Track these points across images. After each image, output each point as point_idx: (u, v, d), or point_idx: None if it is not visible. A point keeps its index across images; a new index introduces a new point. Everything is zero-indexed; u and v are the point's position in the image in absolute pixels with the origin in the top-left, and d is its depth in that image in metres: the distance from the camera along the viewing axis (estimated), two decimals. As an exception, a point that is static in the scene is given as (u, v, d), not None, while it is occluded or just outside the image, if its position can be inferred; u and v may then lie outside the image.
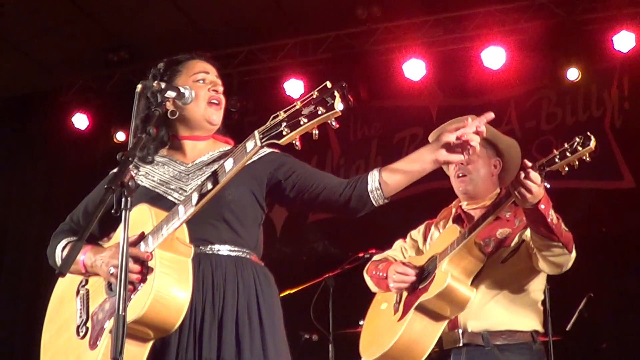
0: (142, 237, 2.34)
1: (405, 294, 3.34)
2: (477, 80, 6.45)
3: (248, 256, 2.53)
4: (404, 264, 3.39)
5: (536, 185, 2.81)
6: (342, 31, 6.84)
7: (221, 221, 2.48)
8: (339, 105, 2.01)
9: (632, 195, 5.99)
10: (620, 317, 5.57)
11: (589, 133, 2.74)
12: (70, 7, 6.50)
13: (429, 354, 3.22)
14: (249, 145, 2.17)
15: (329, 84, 2.04)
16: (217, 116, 2.63)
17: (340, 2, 6.56)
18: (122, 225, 2.03)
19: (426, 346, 3.20)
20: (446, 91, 6.82)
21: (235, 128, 2.79)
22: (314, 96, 2.04)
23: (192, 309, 2.35)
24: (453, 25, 6.62)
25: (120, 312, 1.95)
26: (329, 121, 2.04)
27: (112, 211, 2.05)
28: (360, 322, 3.90)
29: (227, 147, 2.67)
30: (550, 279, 3.42)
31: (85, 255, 2.45)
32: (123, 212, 2.03)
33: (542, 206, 2.88)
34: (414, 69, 6.51)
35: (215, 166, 2.38)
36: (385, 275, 3.40)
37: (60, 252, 2.60)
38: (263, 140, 2.11)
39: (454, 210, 3.51)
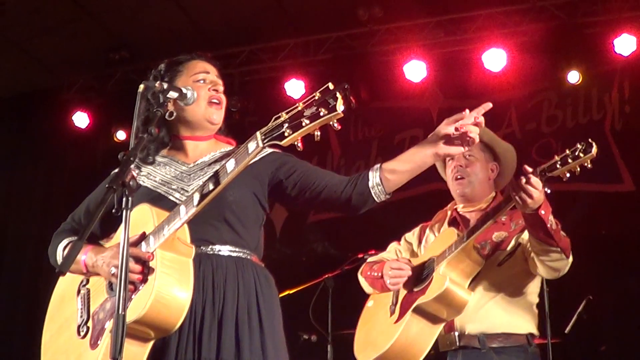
0: (143, 237, 2.34)
1: (401, 295, 3.33)
2: (477, 82, 6.43)
3: (249, 257, 2.53)
4: (398, 260, 3.39)
5: (537, 190, 2.81)
6: (343, 32, 6.83)
7: (222, 222, 2.48)
8: (341, 107, 2.00)
9: (632, 199, 5.98)
10: (619, 319, 5.57)
11: (590, 140, 2.73)
12: (71, 6, 6.50)
13: (425, 357, 3.22)
14: (251, 146, 2.17)
15: (331, 86, 2.03)
16: (217, 115, 2.62)
17: (341, 3, 6.54)
18: (123, 225, 2.03)
19: (423, 348, 3.20)
20: (447, 93, 6.80)
21: (235, 128, 2.79)
22: (316, 97, 2.03)
23: (192, 309, 2.35)
24: (454, 27, 6.62)
25: (120, 312, 1.94)
26: (331, 122, 2.03)
27: (113, 211, 2.05)
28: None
29: (229, 148, 2.66)
30: (549, 281, 3.43)
31: (87, 255, 2.44)
32: (124, 212, 2.03)
33: (542, 212, 2.88)
34: (415, 70, 6.50)
35: (216, 167, 2.38)
36: (380, 274, 3.39)
37: (61, 251, 2.59)
38: (265, 141, 2.11)
39: (449, 213, 3.51)
